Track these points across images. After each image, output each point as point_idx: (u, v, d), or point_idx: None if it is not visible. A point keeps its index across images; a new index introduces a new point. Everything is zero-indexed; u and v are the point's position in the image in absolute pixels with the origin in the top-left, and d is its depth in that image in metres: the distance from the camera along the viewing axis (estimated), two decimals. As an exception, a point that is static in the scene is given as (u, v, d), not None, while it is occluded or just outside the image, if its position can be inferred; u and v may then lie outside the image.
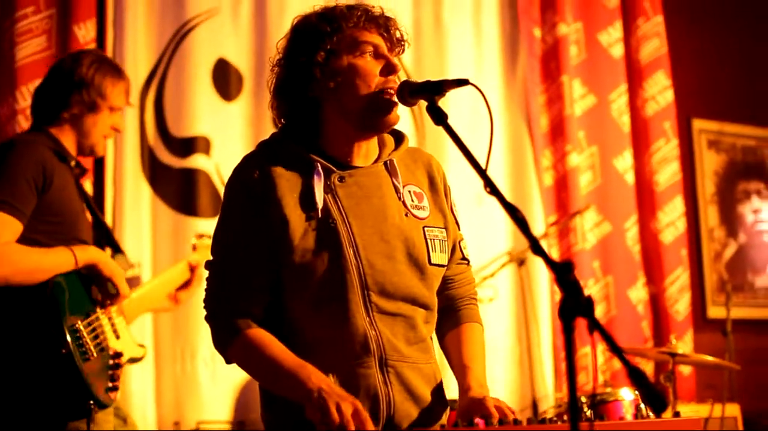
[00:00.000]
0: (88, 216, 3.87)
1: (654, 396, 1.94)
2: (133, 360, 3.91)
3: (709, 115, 7.37)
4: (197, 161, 5.53)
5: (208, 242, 4.43)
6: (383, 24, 2.71)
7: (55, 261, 3.55)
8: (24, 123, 5.02)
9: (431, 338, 2.78)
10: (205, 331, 5.20)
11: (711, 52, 7.45)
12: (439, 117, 2.54)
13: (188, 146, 5.54)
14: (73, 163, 3.79)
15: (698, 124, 7.31)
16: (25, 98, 5.07)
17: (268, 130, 5.59)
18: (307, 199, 2.61)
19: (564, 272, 2.04)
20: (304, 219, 2.59)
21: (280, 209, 2.58)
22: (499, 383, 5.91)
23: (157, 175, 5.46)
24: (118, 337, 3.76)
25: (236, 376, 5.33)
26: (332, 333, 2.58)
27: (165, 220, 5.40)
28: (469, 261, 2.93)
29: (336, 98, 2.67)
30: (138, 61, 5.43)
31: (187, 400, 5.24)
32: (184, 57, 5.60)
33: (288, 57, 2.74)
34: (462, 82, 2.58)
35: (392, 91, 2.65)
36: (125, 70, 4.03)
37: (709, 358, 5.10)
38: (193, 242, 4.49)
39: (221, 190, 5.52)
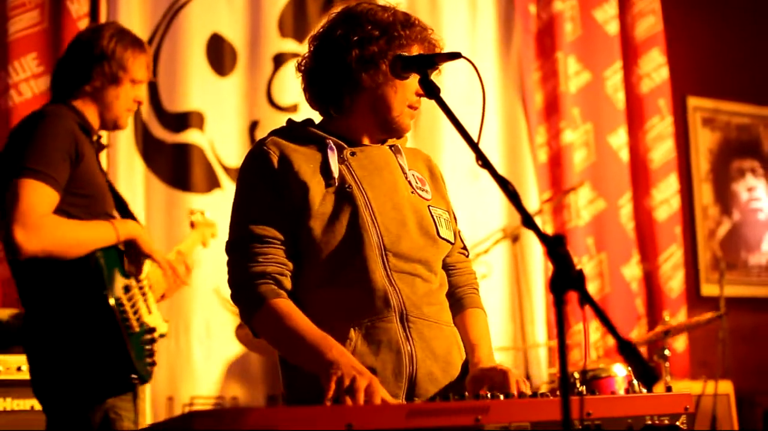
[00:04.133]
0: None
1: (644, 369, 1.94)
2: (162, 335, 3.85)
3: (704, 92, 7.37)
4: (191, 136, 5.52)
5: (201, 218, 4.40)
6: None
7: (98, 235, 3.52)
8: (17, 97, 5.01)
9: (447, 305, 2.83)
10: (199, 307, 5.24)
11: (706, 29, 7.44)
12: (432, 91, 2.57)
13: (182, 121, 5.53)
14: (95, 137, 3.74)
15: (693, 101, 7.30)
16: (17, 72, 5.05)
17: (262, 105, 5.64)
18: (323, 169, 2.69)
19: (555, 246, 2.04)
20: (323, 186, 2.66)
21: (299, 178, 2.65)
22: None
23: (151, 150, 5.45)
24: (150, 312, 3.73)
25: (230, 352, 5.34)
26: (352, 291, 2.62)
27: (158, 195, 5.39)
28: (468, 253, 3.00)
29: (374, 96, 2.73)
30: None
31: (181, 376, 5.25)
32: (178, 32, 5.58)
33: (359, 33, 2.74)
34: (454, 56, 2.63)
35: (413, 113, 2.80)
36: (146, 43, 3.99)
37: (701, 318, 5.06)
38: (190, 220, 4.43)
39: (215, 165, 5.52)
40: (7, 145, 3.60)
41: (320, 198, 2.63)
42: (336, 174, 2.67)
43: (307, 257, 2.64)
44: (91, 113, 3.75)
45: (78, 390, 3.44)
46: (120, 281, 3.57)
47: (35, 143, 3.48)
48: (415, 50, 2.72)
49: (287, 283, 2.63)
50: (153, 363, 3.64)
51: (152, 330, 3.67)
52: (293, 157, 2.68)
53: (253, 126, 5.63)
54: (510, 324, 6.07)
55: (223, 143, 5.56)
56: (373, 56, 2.69)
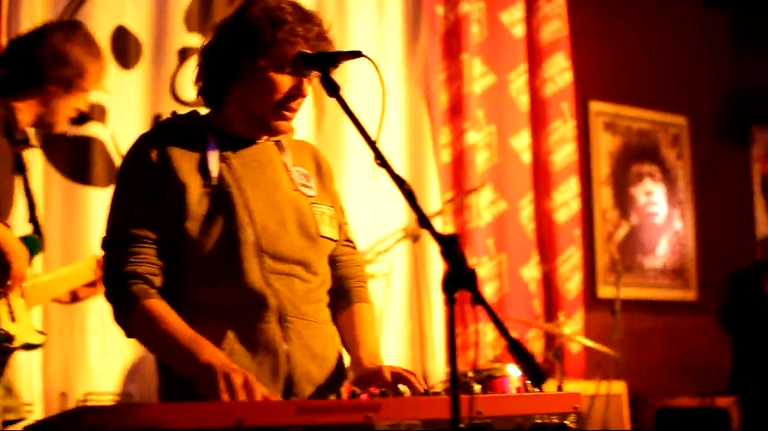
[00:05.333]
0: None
1: (532, 368, 1.97)
2: (29, 347, 3.67)
3: (606, 97, 7.48)
4: (92, 129, 5.43)
5: None
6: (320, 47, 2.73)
7: None
8: None
9: (327, 305, 2.84)
10: (95, 302, 5.14)
11: (611, 35, 7.56)
12: (332, 88, 2.58)
13: (83, 113, 5.44)
14: (19, 136, 3.57)
15: (595, 106, 7.41)
16: None
17: (166, 99, 5.58)
18: (203, 168, 2.67)
19: (449, 245, 2.07)
20: (201, 185, 2.64)
21: (177, 177, 2.63)
22: (391, 358, 5.94)
23: (50, 142, 5.34)
24: (13, 320, 3.57)
25: (127, 349, 5.28)
26: (229, 292, 2.62)
27: (57, 188, 5.30)
28: (355, 246, 3.01)
29: (242, 92, 2.73)
30: (34, 27, 5.31)
31: (76, 372, 5.16)
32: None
33: (225, 35, 2.76)
34: (355, 54, 2.65)
35: (287, 114, 2.73)
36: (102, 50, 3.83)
37: (589, 342, 5.17)
38: None
39: (116, 159, 5.45)
40: None
41: (197, 198, 2.62)
42: (215, 173, 2.66)
43: (186, 256, 2.63)
44: (28, 111, 3.61)
45: None
46: None
47: None
48: (302, 48, 2.69)
49: (159, 282, 2.60)
50: None
51: (9, 338, 3.50)
52: (173, 154, 2.66)
53: (156, 120, 5.57)
54: (408, 322, 6.09)
55: (125, 136, 5.48)
56: (253, 51, 2.68)
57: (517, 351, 1.98)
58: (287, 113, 2.74)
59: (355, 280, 2.93)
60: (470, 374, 3.79)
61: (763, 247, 8.18)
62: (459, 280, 1.99)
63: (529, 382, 2.63)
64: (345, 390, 2.66)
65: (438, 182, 6.31)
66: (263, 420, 2.05)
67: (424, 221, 2.23)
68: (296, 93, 2.71)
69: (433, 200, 6.21)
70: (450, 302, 1.98)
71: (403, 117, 6.33)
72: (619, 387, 6.07)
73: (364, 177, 5.92)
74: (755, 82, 8.12)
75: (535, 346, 6.39)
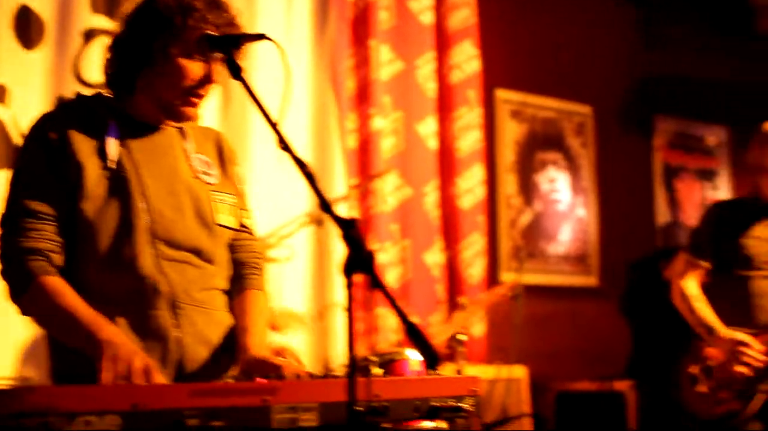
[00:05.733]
0: None
1: (427, 351, 2.00)
2: None
3: (512, 85, 7.54)
4: (-7, 109, 5.35)
5: None
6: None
7: None
8: None
9: (225, 291, 2.86)
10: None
11: (519, 24, 7.61)
12: (235, 71, 2.60)
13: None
14: None
15: (501, 94, 7.46)
16: None
17: (69, 80, 5.50)
18: (102, 151, 2.67)
19: (348, 228, 2.09)
20: (98, 167, 2.64)
21: (75, 158, 2.63)
22: (293, 343, 5.94)
23: (-51, 122, 5.26)
24: None
25: (25, 331, 5.20)
26: (121, 277, 2.62)
27: (-45, 170, 5.21)
28: (252, 232, 3.01)
29: (152, 79, 2.74)
30: None
31: (-32, 356, 5.08)
32: (-17, 1, 5.40)
33: (135, 22, 2.77)
34: (259, 37, 2.69)
35: (195, 101, 2.75)
36: None
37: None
38: None
39: (18, 140, 5.36)
40: None
41: (95, 180, 2.63)
42: (114, 157, 2.66)
43: (81, 238, 2.63)
44: None
45: None
46: None
47: None
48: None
49: (58, 260, 2.61)
50: None
51: None
52: (72, 135, 2.65)
53: (59, 102, 5.49)
54: (312, 307, 6.10)
55: (27, 117, 5.40)
56: (163, 37, 2.69)
57: (414, 334, 2.01)
58: (195, 99, 2.76)
59: (248, 266, 2.94)
60: (371, 358, 3.82)
61: (663, 235, 8.35)
62: (357, 263, 2.01)
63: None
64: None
65: (344, 167, 6.31)
66: (158, 404, 2.05)
67: (324, 204, 2.25)
68: (205, 80, 2.72)
69: (339, 185, 6.22)
70: (349, 285, 2.01)
71: (309, 102, 6.32)
72: (519, 372, 6.15)
73: (269, 162, 5.90)
74: (659, 73, 8.27)
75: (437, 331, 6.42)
